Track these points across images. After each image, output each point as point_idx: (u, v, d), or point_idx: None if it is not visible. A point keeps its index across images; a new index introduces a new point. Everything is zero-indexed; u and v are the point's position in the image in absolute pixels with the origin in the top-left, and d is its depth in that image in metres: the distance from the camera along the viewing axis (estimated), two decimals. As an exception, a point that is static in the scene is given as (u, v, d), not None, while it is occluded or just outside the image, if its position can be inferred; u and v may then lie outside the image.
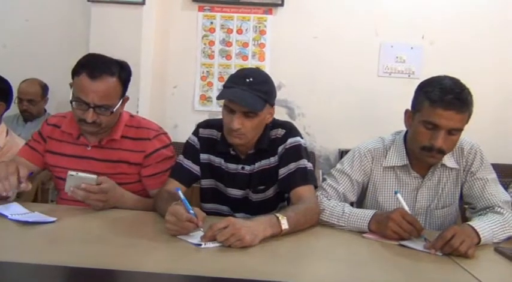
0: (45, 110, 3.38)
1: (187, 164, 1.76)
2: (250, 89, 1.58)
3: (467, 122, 1.60)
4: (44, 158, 1.85)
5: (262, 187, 1.77)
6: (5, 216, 1.48)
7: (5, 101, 2.07)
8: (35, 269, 1.14)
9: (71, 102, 1.69)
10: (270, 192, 1.78)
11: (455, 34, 3.36)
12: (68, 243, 1.34)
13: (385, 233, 1.50)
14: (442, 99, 1.54)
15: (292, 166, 1.69)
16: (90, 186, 1.57)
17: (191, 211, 1.38)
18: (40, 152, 1.85)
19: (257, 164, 1.75)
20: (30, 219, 1.45)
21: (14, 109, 2.53)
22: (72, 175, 1.57)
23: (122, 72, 1.72)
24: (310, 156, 3.13)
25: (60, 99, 3.35)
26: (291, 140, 1.72)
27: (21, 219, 1.45)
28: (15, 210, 1.54)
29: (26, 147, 1.88)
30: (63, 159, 1.82)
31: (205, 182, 1.82)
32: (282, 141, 1.72)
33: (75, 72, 1.68)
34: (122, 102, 1.77)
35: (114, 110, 1.69)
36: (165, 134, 1.89)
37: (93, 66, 1.66)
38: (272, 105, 1.69)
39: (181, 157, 1.79)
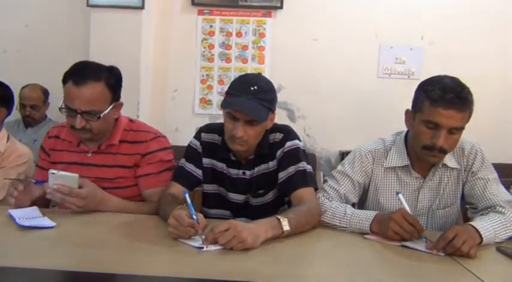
0: (45, 115, 3.38)
1: (190, 167, 1.76)
2: (255, 98, 1.58)
3: (468, 120, 1.60)
4: None
5: (261, 191, 1.77)
6: (14, 219, 1.49)
7: (6, 106, 2.07)
8: (36, 274, 1.14)
9: (60, 109, 1.72)
10: (269, 196, 1.78)
11: (455, 34, 3.36)
12: (69, 247, 1.34)
13: (386, 234, 1.50)
14: (443, 98, 1.55)
15: (292, 169, 1.69)
16: (68, 190, 1.58)
17: (194, 216, 1.38)
18: (46, 169, 1.85)
19: (256, 169, 1.75)
20: (26, 224, 1.45)
21: (14, 114, 2.53)
22: (53, 173, 1.58)
23: (110, 77, 1.72)
24: (311, 158, 3.14)
25: (60, 104, 3.35)
26: (289, 144, 1.72)
27: (21, 223, 1.46)
28: (28, 214, 1.55)
29: (36, 169, 1.93)
30: (67, 168, 1.81)
31: (208, 187, 1.82)
32: (280, 145, 1.72)
33: (63, 81, 1.70)
34: (114, 108, 1.77)
35: (102, 115, 1.69)
36: (164, 137, 1.89)
37: (78, 73, 1.68)
38: (274, 111, 1.70)
39: (183, 161, 1.79)
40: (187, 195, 1.44)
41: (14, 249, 1.31)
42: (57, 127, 1.93)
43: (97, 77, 1.68)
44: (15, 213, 1.54)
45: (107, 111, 1.71)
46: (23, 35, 3.48)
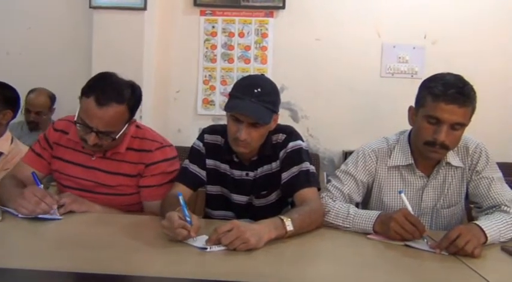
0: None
1: (193, 168, 1.76)
2: (259, 100, 1.58)
3: (470, 117, 1.60)
4: (50, 165, 1.83)
5: (264, 192, 1.77)
6: (15, 215, 1.52)
7: (12, 109, 2.08)
8: (40, 275, 1.14)
9: (75, 123, 1.65)
10: (273, 197, 1.78)
11: (458, 33, 3.36)
12: (73, 248, 1.34)
13: (388, 234, 1.50)
14: (445, 94, 1.55)
15: (295, 169, 1.68)
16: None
17: (188, 218, 1.37)
18: (46, 159, 1.82)
19: (259, 170, 1.75)
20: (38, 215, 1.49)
21: (18, 116, 2.53)
22: None
23: (131, 97, 1.67)
24: (314, 158, 3.14)
25: (64, 106, 3.32)
26: (291, 144, 1.71)
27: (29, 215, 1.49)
28: None
29: (31, 154, 1.84)
30: (68, 167, 1.80)
31: (212, 189, 1.82)
32: (283, 145, 1.72)
33: (85, 92, 1.63)
34: (128, 125, 1.72)
35: (117, 136, 1.67)
36: (170, 146, 1.84)
37: (102, 91, 1.61)
38: (277, 113, 1.69)
39: (187, 162, 1.78)
40: (180, 198, 1.42)
41: (20, 251, 1.31)
42: (64, 121, 1.85)
43: (121, 99, 1.62)
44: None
45: (122, 131, 1.68)
46: (25, 37, 3.48)
